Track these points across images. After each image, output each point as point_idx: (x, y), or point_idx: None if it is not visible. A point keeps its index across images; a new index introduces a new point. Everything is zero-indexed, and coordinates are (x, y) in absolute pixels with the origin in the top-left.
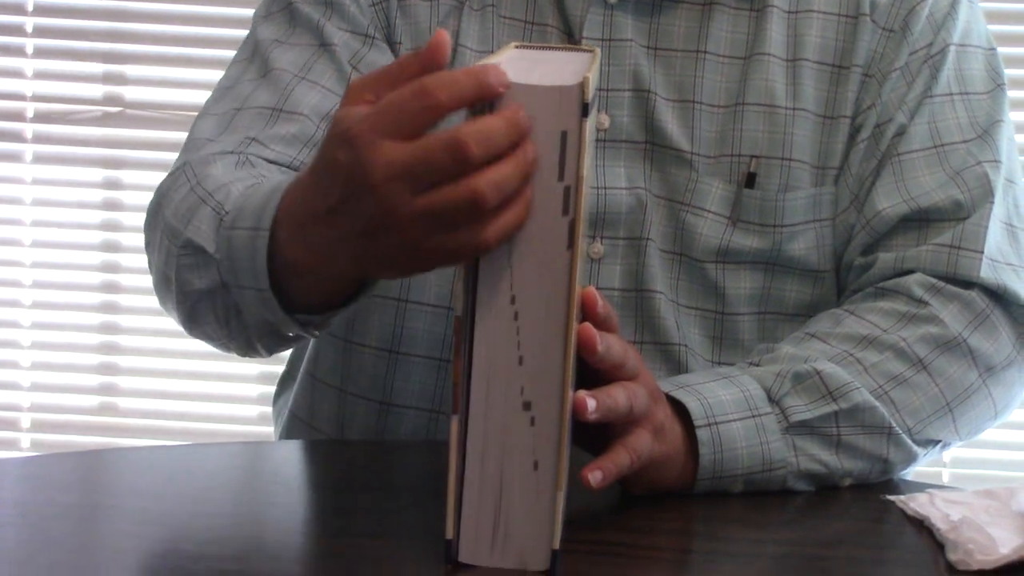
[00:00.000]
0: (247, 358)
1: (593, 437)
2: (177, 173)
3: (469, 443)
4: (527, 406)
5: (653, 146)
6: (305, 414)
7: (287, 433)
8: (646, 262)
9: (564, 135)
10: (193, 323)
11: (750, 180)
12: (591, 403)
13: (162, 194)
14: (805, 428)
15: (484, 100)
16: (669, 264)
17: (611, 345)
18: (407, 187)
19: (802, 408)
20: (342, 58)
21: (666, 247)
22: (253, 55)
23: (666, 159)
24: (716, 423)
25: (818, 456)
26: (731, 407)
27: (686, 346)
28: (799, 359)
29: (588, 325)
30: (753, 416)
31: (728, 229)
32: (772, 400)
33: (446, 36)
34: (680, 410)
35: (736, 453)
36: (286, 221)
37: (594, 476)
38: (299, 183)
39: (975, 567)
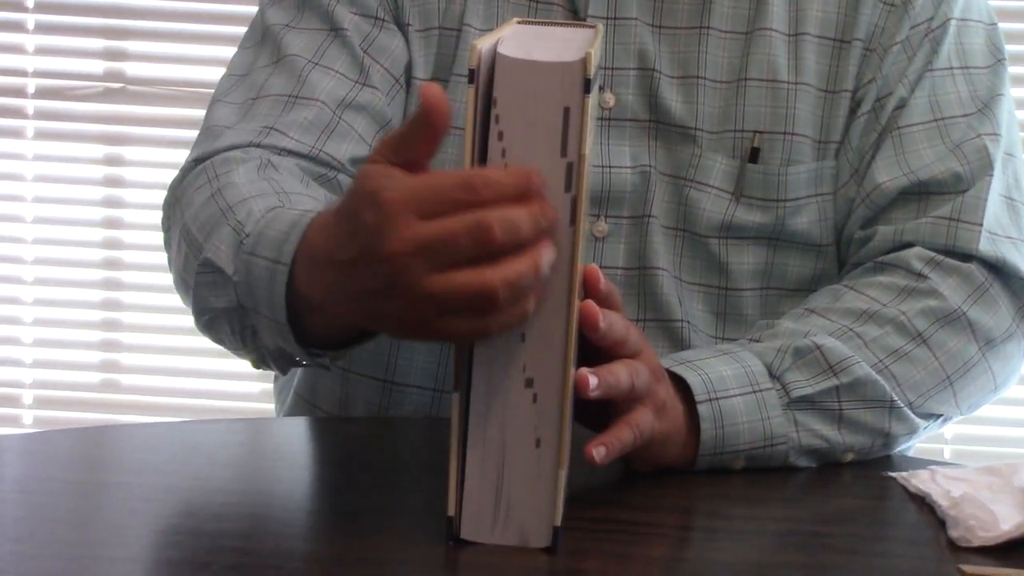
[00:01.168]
0: (258, 370)
1: (594, 415)
2: (198, 171)
3: (471, 420)
4: (529, 383)
5: (658, 124)
6: (307, 393)
7: (290, 412)
8: (649, 239)
9: (567, 111)
10: (209, 331)
11: (753, 155)
12: (593, 380)
13: (181, 190)
14: (806, 403)
15: (523, 202)
16: (672, 240)
17: (613, 322)
18: (425, 264)
19: (803, 383)
20: (354, 42)
21: (669, 223)
22: (263, 40)
23: (670, 136)
24: (717, 398)
25: (820, 431)
26: (732, 382)
27: (689, 323)
28: (799, 334)
29: (590, 302)
30: (754, 391)
31: (731, 204)
32: (773, 375)
33: (438, 93)
34: (681, 387)
35: (737, 428)
36: (305, 260)
37: (598, 452)
38: (323, 223)
39: (976, 544)
